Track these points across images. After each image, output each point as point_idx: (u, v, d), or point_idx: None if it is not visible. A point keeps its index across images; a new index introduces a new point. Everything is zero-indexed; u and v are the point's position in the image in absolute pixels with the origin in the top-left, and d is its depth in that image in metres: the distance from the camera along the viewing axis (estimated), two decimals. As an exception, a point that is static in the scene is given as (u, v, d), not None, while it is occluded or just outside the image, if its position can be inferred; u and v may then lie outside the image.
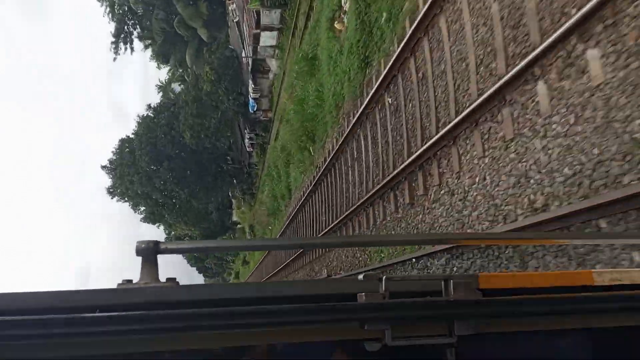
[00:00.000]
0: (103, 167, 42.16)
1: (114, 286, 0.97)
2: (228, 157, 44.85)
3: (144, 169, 39.01)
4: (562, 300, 0.97)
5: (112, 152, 41.73)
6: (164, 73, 48.34)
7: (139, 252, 1.01)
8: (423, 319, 0.94)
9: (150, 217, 46.41)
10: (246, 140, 39.32)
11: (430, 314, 0.94)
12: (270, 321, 0.88)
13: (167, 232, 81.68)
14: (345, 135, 11.73)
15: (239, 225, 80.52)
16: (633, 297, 1.00)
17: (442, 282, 0.98)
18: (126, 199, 43.06)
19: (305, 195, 17.09)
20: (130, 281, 1.00)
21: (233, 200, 70.58)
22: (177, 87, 45.87)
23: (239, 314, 0.87)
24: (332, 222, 12.83)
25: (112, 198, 43.38)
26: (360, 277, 1.00)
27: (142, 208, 44.68)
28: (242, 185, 47.47)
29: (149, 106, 40.87)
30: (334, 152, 12.86)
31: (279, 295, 0.97)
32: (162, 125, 38.53)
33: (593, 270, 1.16)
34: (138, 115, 40.30)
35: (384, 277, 0.97)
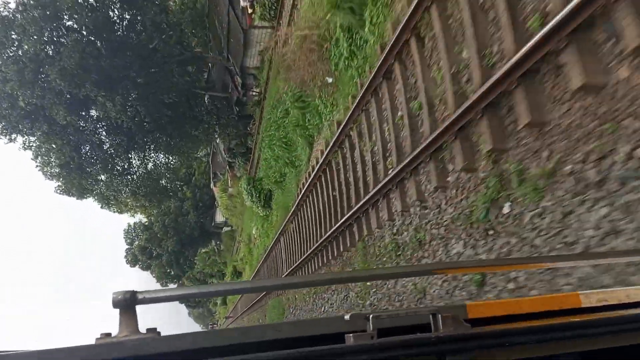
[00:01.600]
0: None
1: (93, 341, 0.93)
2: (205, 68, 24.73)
3: (28, 53, 18.29)
4: (552, 327, 0.98)
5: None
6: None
7: (115, 304, 0.97)
8: (413, 356, 0.93)
9: (67, 182, 24.97)
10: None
11: (421, 351, 0.93)
12: None
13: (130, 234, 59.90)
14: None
15: (225, 228, 58.89)
16: (621, 318, 1.02)
17: (431, 316, 0.98)
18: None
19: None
20: (109, 334, 0.97)
21: (215, 188, 49.25)
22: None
23: None
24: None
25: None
26: (347, 316, 0.99)
27: (53, 161, 23.44)
28: (230, 131, 26.60)
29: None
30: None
31: (263, 339, 0.96)
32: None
33: (580, 292, 1.14)
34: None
35: (371, 316, 0.96)
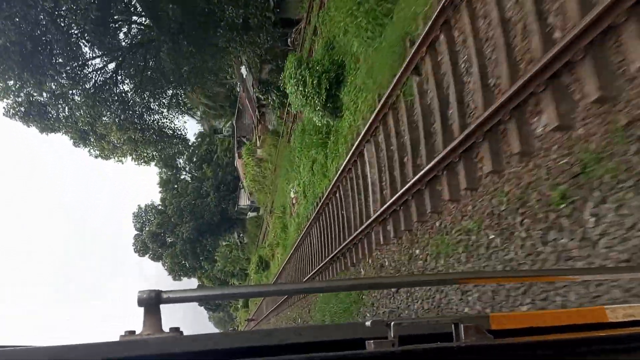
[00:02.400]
0: None
1: (117, 337, 0.95)
2: None
3: None
4: (577, 341, 0.97)
5: None
6: None
7: (140, 302, 0.99)
8: None
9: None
10: None
11: None
12: None
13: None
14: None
15: (250, 214, 49.81)
16: None
17: (453, 326, 0.97)
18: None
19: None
20: (133, 332, 0.98)
21: (239, 161, 40.33)
22: None
23: None
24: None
25: None
26: (368, 323, 0.99)
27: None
28: (262, 40, 15.96)
29: None
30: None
31: (284, 343, 0.97)
32: None
33: (605, 306, 1.12)
34: None
35: (392, 323, 0.96)
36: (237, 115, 36.26)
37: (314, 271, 13.09)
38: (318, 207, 12.89)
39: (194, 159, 52.18)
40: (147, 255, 51.66)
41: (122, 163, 22.88)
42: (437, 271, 6.02)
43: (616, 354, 0.97)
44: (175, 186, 50.10)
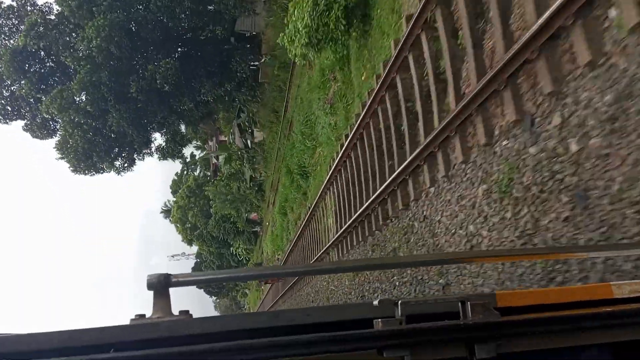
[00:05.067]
0: None
1: (128, 321, 1.10)
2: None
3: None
4: (583, 317, 1.07)
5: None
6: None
7: (150, 286, 1.08)
8: (442, 343, 1.03)
9: None
10: None
11: (449, 338, 1.02)
12: (285, 353, 0.99)
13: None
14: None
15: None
16: None
17: (459, 304, 1.10)
18: None
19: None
20: (143, 316, 1.08)
21: None
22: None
23: (253, 347, 0.97)
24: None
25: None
26: (375, 302, 1.09)
27: None
28: None
29: None
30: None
31: (293, 324, 1.05)
32: None
33: (611, 282, 1.24)
34: None
35: (399, 302, 1.06)
36: None
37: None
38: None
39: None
40: (23, 119, 19.54)
41: None
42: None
43: (623, 328, 1.00)
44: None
